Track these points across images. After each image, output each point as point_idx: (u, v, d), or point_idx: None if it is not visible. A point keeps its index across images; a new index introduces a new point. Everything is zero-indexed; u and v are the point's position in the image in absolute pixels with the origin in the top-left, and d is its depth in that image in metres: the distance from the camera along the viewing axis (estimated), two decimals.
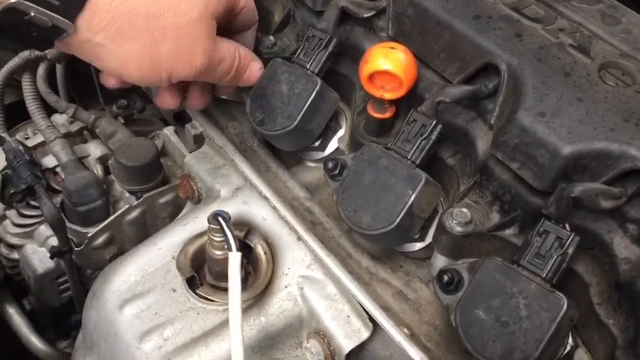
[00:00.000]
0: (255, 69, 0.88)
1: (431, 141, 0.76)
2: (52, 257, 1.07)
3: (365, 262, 0.82)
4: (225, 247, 0.75)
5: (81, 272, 1.11)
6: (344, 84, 0.92)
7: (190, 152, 0.99)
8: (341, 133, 0.95)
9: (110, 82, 0.85)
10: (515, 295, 0.65)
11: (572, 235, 0.66)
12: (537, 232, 0.67)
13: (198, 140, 0.98)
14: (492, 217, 0.76)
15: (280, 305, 0.80)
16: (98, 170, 1.14)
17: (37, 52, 1.17)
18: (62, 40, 0.72)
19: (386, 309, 0.75)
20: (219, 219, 0.75)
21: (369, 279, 0.80)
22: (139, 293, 0.82)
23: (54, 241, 1.06)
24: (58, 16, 0.69)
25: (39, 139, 1.19)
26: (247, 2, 0.85)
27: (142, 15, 0.72)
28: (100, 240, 1.05)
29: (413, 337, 0.74)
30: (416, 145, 0.76)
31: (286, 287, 0.81)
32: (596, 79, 0.73)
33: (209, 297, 0.81)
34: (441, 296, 0.72)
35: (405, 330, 0.73)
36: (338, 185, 0.79)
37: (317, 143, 0.94)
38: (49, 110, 1.19)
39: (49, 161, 1.14)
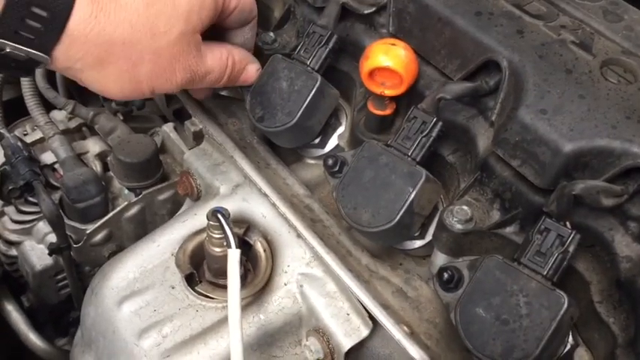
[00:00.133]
0: (251, 72, 0.88)
1: (431, 138, 0.76)
2: (50, 254, 1.06)
3: (365, 259, 0.82)
4: (225, 244, 0.74)
5: (79, 269, 1.11)
6: (344, 81, 0.92)
7: (190, 149, 0.98)
8: (341, 130, 0.94)
9: None
10: (516, 293, 0.65)
11: (573, 233, 0.66)
12: (538, 229, 0.67)
13: (198, 137, 0.98)
14: (493, 215, 0.75)
15: (279, 303, 0.80)
16: (97, 167, 1.14)
17: None
18: (42, 68, 0.73)
19: (386, 307, 0.75)
20: (219, 216, 0.75)
21: (369, 277, 0.80)
22: (137, 290, 0.81)
23: (52, 238, 1.06)
24: (33, 51, 0.69)
25: (38, 135, 1.19)
26: (240, 1, 0.83)
27: (118, 43, 0.72)
28: (99, 237, 1.05)
29: (413, 335, 0.73)
30: (416, 142, 0.76)
31: (286, 285, 0.81)
32: (598, 76, 0.72)
33: (208, 294, 0.80)
34: (441, 294, 0.71)
35: (405, 328, 0.73)
36: (338, 182, 0.78)
37: (317, 140, 0.94)
38: (47, 106, 1.19)
39: (47, 157, 1.14)
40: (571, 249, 0.66)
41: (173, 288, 0.81)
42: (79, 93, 1.30)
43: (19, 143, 1.10)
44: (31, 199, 1.11)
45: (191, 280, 0.81)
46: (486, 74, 0.76)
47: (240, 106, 0.98)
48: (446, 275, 0.71)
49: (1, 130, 1.17)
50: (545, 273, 0.65)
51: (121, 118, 1.22)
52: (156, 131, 1.19)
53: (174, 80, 0.78)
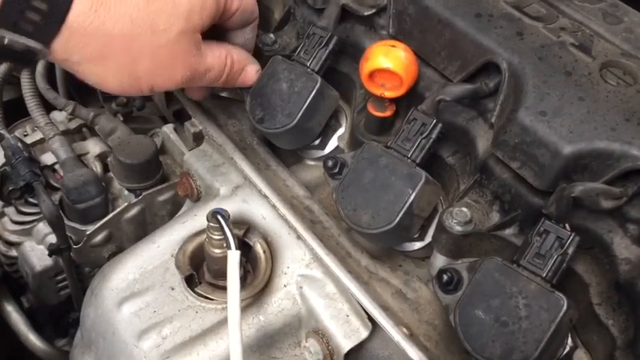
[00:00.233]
0: (250, 72, 0.88)
1: (431, 140, 0.76)
2: (50, 255, 1.06)
3: (364, 261, 0.82)
4: (224, 245, 0.74)
5: (79, 270, 1.11)
6: (344, 82, 0.92)
7: (190, 150, 0.98)
8: (341, 131, 0.95)
9: None
10: (515, 295, 0.65)
11: (573, 235, 0.66)
12: (537, 231, 0.67)
13: (198, 138, 0.98)
14: (492, 217, 0.75)
15: (279, 304, 0.80)
16: (97, 168, 1.14)
17: None
18: (40, 59, 0.73)
19: (385, 308, 0.75)
20: (219, 217, 0.75)
21: (369, 278, 0.80)
22: (137, 291, 0.82)
23: (52, 239, 1.06)
24: (32, 41, 0.70)
25: (38, 136, 1.19)
26: (242, 3, 0.83)
27: (117, 37, 0.72)
28: (99, 238, 1.05)
29: (412, 336, 0.73)
30: (416, 144, 0.76)
31: (285, 286, 0.81)
32: (598, 78, 0.72)
33: (208, 295, 0.80)
34: (440, 296, 0.71)
35: (404, 329, 0.73)
36: (338, 184, 0.78)
37: (317, 142, 0.94)
38: (48, 107, 1.19)
39: (47, 158, 1.14)
40: (570, 251, 0.66)
41: (173, 289, 0.81)
42: (79, 94, 1.30)
43: (20, 144, 1.10)
44: (31, 199, 1.11)
45: (191, 282, 0.81)
46: (486, 76, 0.76)
47: (240, 107, 0.98)
48: (445, 277, 0.71)
49: (2, 131, 1.17)
50: (544, 275, 0.65)
51: (121, 119, 1.22)
52: (156, 132, 1.19)
53: (174, 78, 0.78)
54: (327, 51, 0.86)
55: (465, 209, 0.73)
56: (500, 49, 0.75)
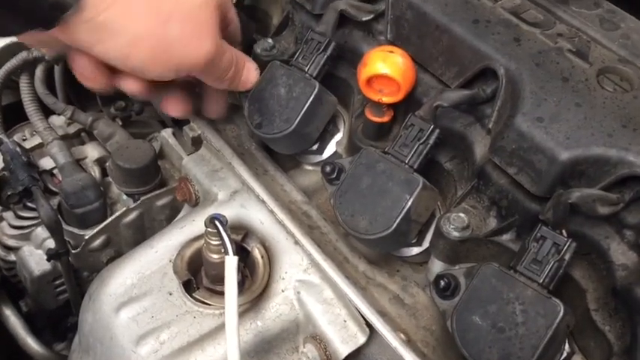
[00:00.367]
0: (252, 69, 0.88)
1: (428, 145, 0.76)
2: (48, 259, 1.06)
3: (362, 266, 0.82)
4: (222, 250, 0.74)
5: (78, 274, 1.11)
6: (342, 87, 0.92)
7: (188, 155, 0.98)
8: (339, 136, 0.95)
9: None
10: (512, 301, 0.65)
11: (569, 241, 0.66)
12: (534, 237, 0.67)
13: (196, 143, 0.98)
14: (489, 223, 0.75)
15: (277, 309, 0.80)
16: (95, 172, 1.14)
17: (34, 53, 1.17)
18: (64, 21, 0.68)
19: (382, 314, 0.75)
20: (216, 222, 0.75)
21: (366, 283, 0.80)
22: (135, 296, 0.81)
23: (51, 243, 1.06)
24: None
25: (36, 140, 1.19)
26: (234, 19, 0.85)
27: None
28: (97, 242, 1.05)
29: (409, 342, 0.73)
30: (413, 150, 0.76)
31: (283, 291, 0.81)
32: (595, 84, 0.72)
33: (205, 301, 0.80)
34: (437, 301, 0.71)
35: (402, 335, 0.73)
36: (335, 189, 0.78)
37: (315, 147, 0.94)
38: (46, 112, 1.19)
39: (46, 163, 1.14)
40: (567, 257, 0.66)
41: (171, 294, 0.81)
42: (78, 99, 1.30)
43: (18, 148, 1.10)
44: (29, 204, 1.11)
45: (189, 287, 0.81)
46: (483, 82, 0.76)
47: (238, 112, 0.98)
48: (442, 283, 0.71)
49: (0, 136, 1.17)
50: (541, 281, 0.65)
51: (120, 123, 1.23)
52: (154, 137, 1.19)
53: (204, 49, 0.77)
54: (326, 56, 0.86)
55: (462, 215, 0.73)
56: (498, 55, 0.75)
